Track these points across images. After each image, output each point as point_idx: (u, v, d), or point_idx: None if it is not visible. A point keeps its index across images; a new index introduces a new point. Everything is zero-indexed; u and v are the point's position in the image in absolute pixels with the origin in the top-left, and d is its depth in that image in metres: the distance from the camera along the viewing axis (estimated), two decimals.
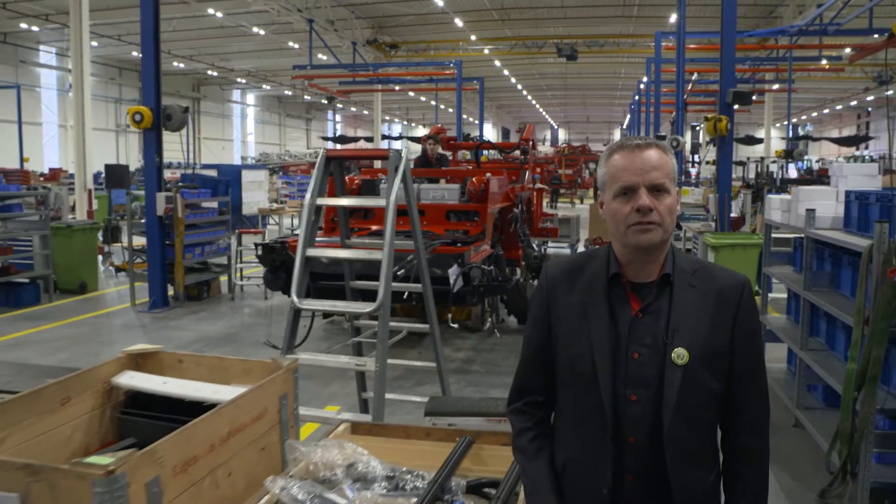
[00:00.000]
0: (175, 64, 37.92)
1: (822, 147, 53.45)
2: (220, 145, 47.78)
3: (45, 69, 36.32)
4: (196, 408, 2.82)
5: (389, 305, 3.56)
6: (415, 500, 2.14)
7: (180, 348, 6.95)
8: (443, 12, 26.73)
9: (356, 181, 7.88)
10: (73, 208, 13.06)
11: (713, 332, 1.74)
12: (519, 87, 46.94)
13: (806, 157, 40.38)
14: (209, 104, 47.39)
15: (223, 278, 10.92)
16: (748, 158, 27.43)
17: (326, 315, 8.39)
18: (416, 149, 46.01)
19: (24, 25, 29.33)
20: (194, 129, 45.33)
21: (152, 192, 9.34)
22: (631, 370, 1.74)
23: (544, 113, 62.87)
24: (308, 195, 3.84)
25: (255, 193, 19.12)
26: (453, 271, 6.07)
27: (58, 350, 7.63)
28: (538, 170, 14.48)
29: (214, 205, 10.49)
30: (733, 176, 24.68)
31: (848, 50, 24.17)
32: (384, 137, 41.82)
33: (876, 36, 20.12)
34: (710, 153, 11.79)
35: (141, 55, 9.54)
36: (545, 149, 50.65)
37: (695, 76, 27.78)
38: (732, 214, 11.53)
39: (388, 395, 3.89)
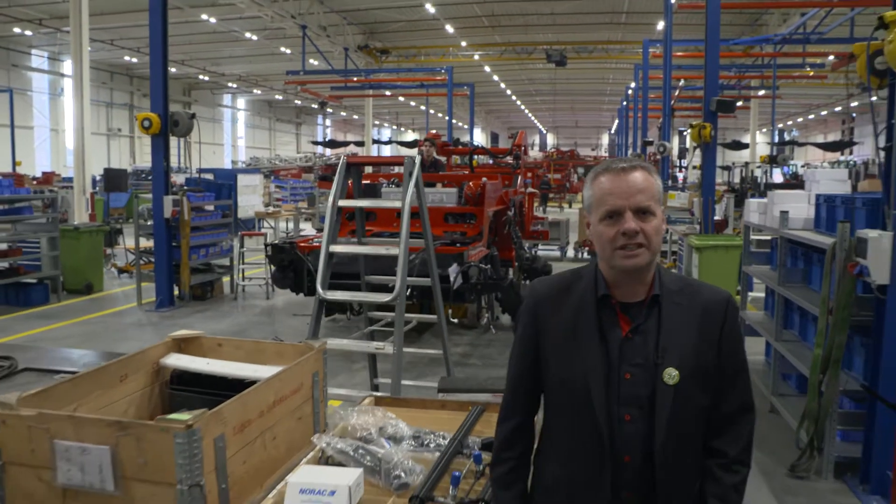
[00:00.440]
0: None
1: (808, 152, 54.24)
2: (210, 149, 48.03)
3: (37, 73, 36.46)
4: (233, 385, 3.21)
5: (405, 295, 3.98)
6: (438, 454, 2.54)
7: None
8: (434, 19, 27.13)
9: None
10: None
11: (701, 350, 1.78)
12: (508, 92, 47.41)
13: (791, 162, 41.02)
14: (200, 108, 47.59)
15: (226, 279, 11.28)
16: (733, 164, 27.93)
17: (328, 313, 8.77)
18: (407, 153, 46.40)
19: (17, 30, 29.52)
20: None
21: (160, 196, 9.69)
22: (624, 390, 1.76)
23: (533, 118, 63.36)
24: (331, 197, 4.25)
25: (251, 197, 19.48)
26: (453, 270, 6.47)
27: (72, 347, 7.95)
28: (529, 174, 14.91)
29: (217, 208, 10.86)
30: (720, 180, 25.26)
31: (831, 57, 24.77)
32: (375, 142, 42.14)
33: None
34: (697, 158, 12.24)
35: (149, 65, 9.90)
36: (534, 153, 51.11)
37: (682, 82, 28.33)
38: (716, 217, 11.98)
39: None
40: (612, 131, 53.78)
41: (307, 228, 18.84)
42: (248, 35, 29.28)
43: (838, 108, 46.95)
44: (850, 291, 4.25)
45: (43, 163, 35.91)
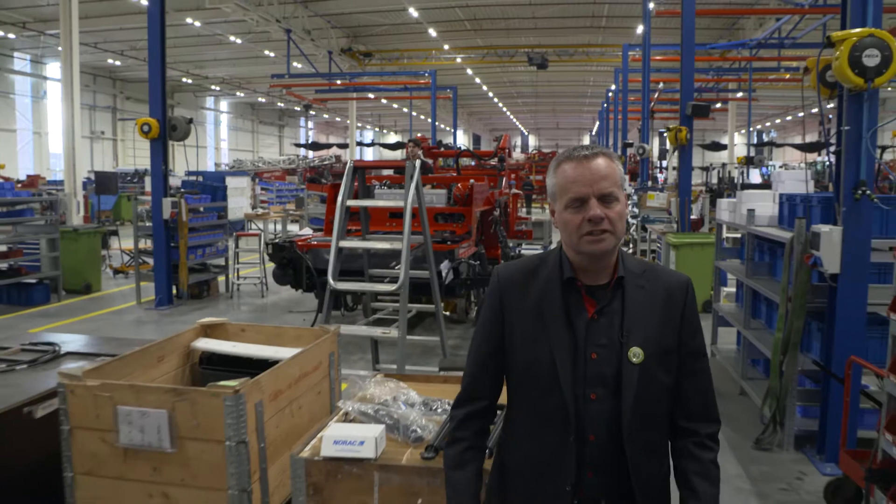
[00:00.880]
0: None
1: (787, 153, 55.09)
2: (193, 152, 48.03)
3: (20, 76, 36.42)
4: (256, 365, 3.62)
5: (408, 285, 4.41)
6: (446, 416, 2.95)
7: None
8: (417, 23, 27.51)
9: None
10: None
11: (663, 330, 1.84)
12: (490, 94, 47.85)
13: (770, 163, 41.79)
14: (183, 111, 47.53)
15: (221, 278, 11.63)
16: (710, 165, 28.57)
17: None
18: (388, 154, 46.52)
19: (0, 33, 29.56)
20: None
21: (158, 198, 10.03)
22: (590, 370, 1.80)
23: (515, 120, 63.85)
24: (340, 197, 4.67)
25: (239, 199, 19.74)
26: (444, 266, 6.89)
27: None
28: (513, 176, 15.38)
29: (213, 209, 11.23)
30: (699, 181, 25.82)
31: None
32: (358, 144, 42.44)
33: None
34: (676, 159, 12.73)
35: (148, 71, 10.24)
36: (516, 155, 51.68)
37: (661, 85, 28.93)
38: (693, 216, 12.49)
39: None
40: (593, 133, 54.38)
41: (295, 229, 19.20)
42: (232, 38, 29.48)
43: (815, 110, 47.81)
44: (806, 280, 4.73)
45: (26, 166, 35.85)
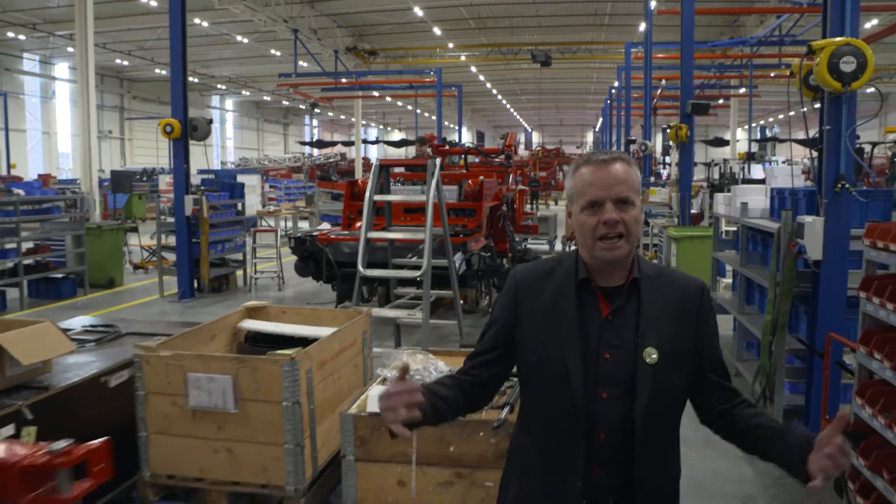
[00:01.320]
0: (157, 71, 38.76)
1: (790, 148, 55.29)
2: (199, 150, 48.51)
3: (29, 76, 36.88)
4: (295, 343, 4.06)
5: (430, 271, 4.86)
6: None
7: None
8: (422, 21, 27.89)
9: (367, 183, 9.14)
10: None
11: (678, 333, 1.85)
12: (494, 91, 48.19)
13: (773, 158, 42.10)
14: (189, 110, 48.07)
15: (239, 272, 12.09)
16: (712, 161, 28.95)
17: (340, 300, 9.60)
18: (394, 152, 46.86)
19: (10, 34, 30.03)
20: None
21: (181, 195, 10.49)
22: (603, 370, 1.82)
23: (518, 116, 64.18)
24: (368, 192, 5.12)
25: (250, 197, 20.21)
26: (458, 258, 7.33)
27: None
28: (519, 172, 15.84)
29: (231, 206, 11.70)
30: (702, 176, 26.15)
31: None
32: (363, 142, 42.86)
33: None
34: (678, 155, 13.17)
35: (170, 75, 10.68)
36: (520, 152, 52.05)
37: (663, 82, 29.30)
38: (693, 211, 12.91)
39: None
40: (597, 129, 54.66)
41: (305, 226, 19.66)
42: (238, 38, 29.91)
43: (818, 105, 48.03)
44: (792, 267, 5.16)
45: (36, 165, 36.33)
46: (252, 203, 20.01)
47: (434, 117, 47.54)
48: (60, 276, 11.10)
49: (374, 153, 61.31)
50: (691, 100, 10.93)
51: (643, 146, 18.98)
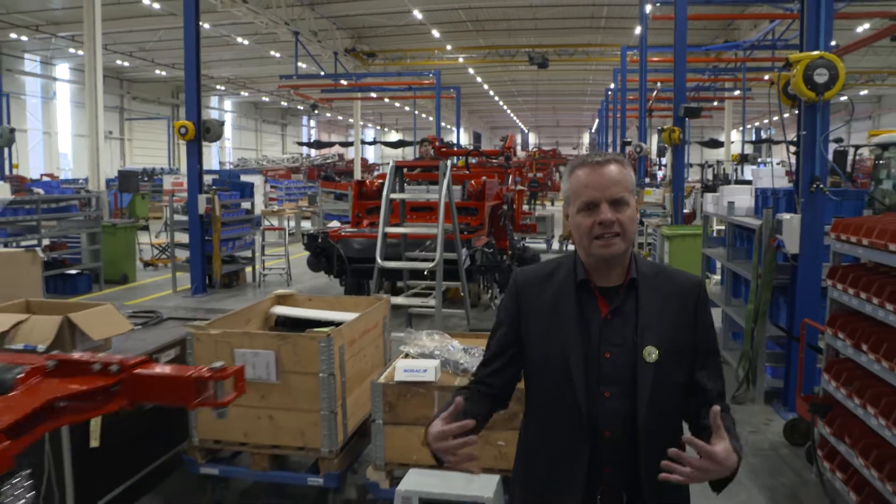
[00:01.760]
0: (157, 72, 39.18)
1: (788, 149, 55.75)
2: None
3: (30, 77, 37.20)
4: (320, 327, 4.50)
5: (443, 263, 5.32)
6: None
7: None
8: (420, 24, 28.31)
9: (375, 184, 9.61)
10: None
11: (677, 330, 1.88)
12: (491, 93, 48.60)
13: (768, 160, 42.61)
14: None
15: (248, 269, 12.54)
16: (706, 162, 29.47)
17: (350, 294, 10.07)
18: (391, 153, 47.23)
19: (13, 35, 30.36)
20: (173, 136, 46.64)
21: (194, 194, 10.92)
22: (604, 368, 1.85)
23: (515, 118, 64.59)
24: (385, 192, 5.59)
25: (254, 197, 20.64)
26: (462, 253, 7.79)
27: None
28: (517, 173, 16.32)
29: (243, 205, 12.15)
30: (696, 177, 26.56)
31: None
32: (363, 143, 43.30)
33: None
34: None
35: (184, 79, 11.12)
36: (518, 153, 52.47)
37: (659, 85, 29.78)
38: (686, 210, 13.39)
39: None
40: (593, 130, 55.17)
41: (307, 225, 20.10)
42: (239, 40, 30.29)
43: (787, 115, 48.54)
44: (772, 260, 5.63)
45: (36, 165, 36.64)
46: (256, 203, 20.43)
47: (431, 118, 47.97)
48: (76, 272, 11.52)
49: (371, 153, 61.84)
50: (684, 104, 11.39)
51: (638, 148, 19.47)
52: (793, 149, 5.62)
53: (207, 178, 12.26)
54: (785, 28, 22.89)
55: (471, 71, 39.07)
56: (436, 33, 29.22)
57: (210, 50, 34.23)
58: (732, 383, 6.35)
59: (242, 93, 49.42)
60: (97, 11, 15.83)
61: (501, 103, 54.63)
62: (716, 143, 37.32)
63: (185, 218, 11.46)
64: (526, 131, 72.48)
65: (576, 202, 1.88)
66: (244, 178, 20.09)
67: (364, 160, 38.51)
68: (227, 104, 55.63)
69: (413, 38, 31.53)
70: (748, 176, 29.92)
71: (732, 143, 39.31)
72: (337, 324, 4.33)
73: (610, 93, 31.97)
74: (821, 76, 4.96)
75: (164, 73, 39.47)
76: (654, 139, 35.07)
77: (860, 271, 3.95)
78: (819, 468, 4.31)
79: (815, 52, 5.05)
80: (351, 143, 42.13)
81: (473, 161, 13.64)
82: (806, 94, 5.02)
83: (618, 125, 28.25)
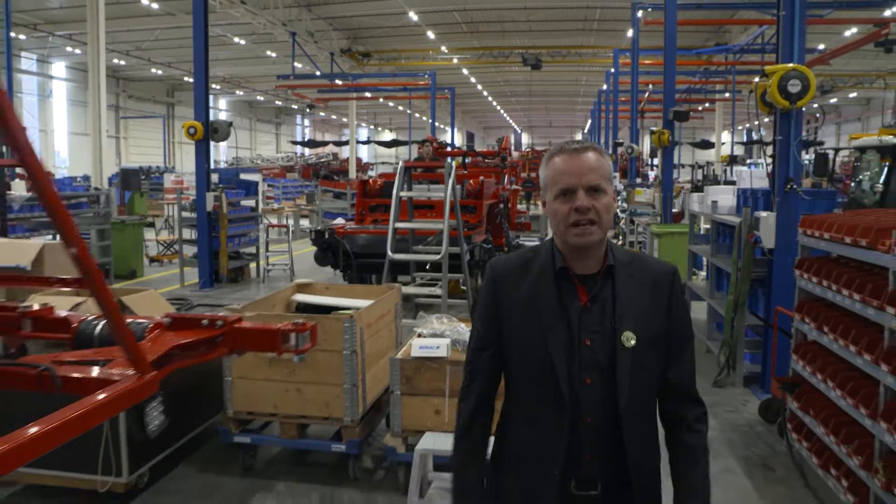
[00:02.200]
0: (153, 70, 39.47)
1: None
2: (191, 149, 49.05)
3: (26, 75, 37.41)
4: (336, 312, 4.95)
5: (448, 255, 5.79)
6: None
7: None
8: (416, 25, 28.73)
9: (378, 182, 10.07)
10: None
11: (653, 316, 1.90)
12: (485, 93, 49.07)
13: (759, 161, 43.25)
14: (182, 109, 48.56)
15: (252, 265, 12.97)
16: (696, 163, 30.03)
17: None
18: (385, 152, 47.53)
19: (11, 34, 30.57)
20: (169, 134, 46.94)
21: (202, 192, 11.34)
22: (584, 356, 1.86)
23: (508, 118, 64.98)
24: (395, 190, 6.05)
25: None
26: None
27: None
28: (512, 173, 16.81)
29: (248, 203, 12.59)
30: (687, 178, 27.01)
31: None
32: (358, 142, 43.70)
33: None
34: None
35: (193, 80, 11.55)
36: (513, 154, 52.82)
37: (650, 87, 30.29)
38: (675, 210, 13.89)
39: None
40: (585, 131, 55.69)
41: (305, 223, 20.53)
42: (236, 40, 30.63)
43: (804, 109, 49.40)
44: (750, 254, 6.11)
45: None
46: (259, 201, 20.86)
47: (424, 118, 48.38)
48: None
49: (364, 153, 62.23)
50: (673, 107, 11.88)
51: (630, 149, 19.97)
52: (770, 152, 6.09)
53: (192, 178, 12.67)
54: (774, 32, 23.38)
55: (465, 71, 39.50)
56: (431, 34, 29.64)
57: None
58: (714, 369, 6.83)
59: (237, 92, 49.71)
60: (101, 12, 16.21)
61: (495, 103, 55.05)
62: (707, 144, 37.92)
63: (191, 215, 11.87)
64: (519, 131, 72.84)
65: (553, 189, 1.88)
66: (244, 176, 20.47)
67: (358, 159, 38.90)
68: (222, 103, 55.87)
69: (408, 38, 31.92)
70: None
71: (723, 144, 39.95)
72: (353, 310, 4.77)
73: (602, 94, 32.46)
74: (794, 86, 5.44)
75: (159, 71, 39.74)
76: (647, 140, 35.62)
77: (826, 263, 4.42)
78: (788, 440, 4.79)
79: (790, 65, 5.53)
80: (345, 143, 42.55)
81: (468, 161, 14.10)
82: (781, 103, 5.50)
83: (610, 126, 28.76)
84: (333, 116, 58.69)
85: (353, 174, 34.21)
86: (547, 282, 1.90)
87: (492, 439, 2.07)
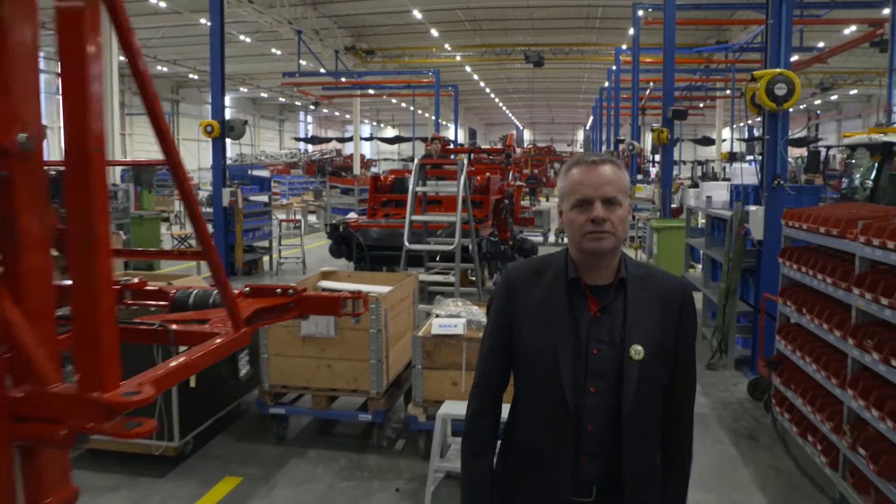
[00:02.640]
0: (159, 68, 39.86)
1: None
2: (193, 146, 49.68)
3: None
4: None
5: (461, 245, 6.26)
6: None
7: None
8: (419, 23, 29.12)
9: (389, 178, 10.54)
10: None
11: (663, 331, 1.92)
12: (487, 90, 49.40)
13: (759, 157, 43.58)
14: (187, 106, 48.89)
15: (265, 258, 13.44)
16: (696, 161, 30.48)
17: None
18: (387, 148, 47.78)
19: None
20: (174, 131, 47.38)
21: (219, 188, 11.80)
22: (591, 364, 1.89)
23: (510, 114, 65.30)
24: (411, 186, 6.52)
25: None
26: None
27: None
28: (517, 170, 17.30)
29: (262, 199, 13.06)
30: (688, 174, 27.41)
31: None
32: (361, 139, 44.13)
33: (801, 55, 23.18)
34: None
35: (210, 80, 11.98)
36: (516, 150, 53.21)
37: (651, 84, 30.68)
38: (674, 205, 14.34)
39: None
40: (587, 127, 55.97)
41: (313, 219, 20.99)
42: (241, 37, 31.01)
43: (802, 106, 49.94)
44: (741, 245, 6.57)
45: None
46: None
47: (427, 115, 48.74)
48: None
49: (367, 149, 62.68)
50: (672, 106, 12.32)
51: (631, 146, 20.40)
52: (759, 149, 6.54)
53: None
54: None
55: (468, 69, 39.84)
56: (434, 32, 29.99)
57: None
58: (707, 352, 7.29)
59: (241, 89, 50.10)
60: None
61: (497, 100, 55.39)
62: (708, 141, 38.39)
63: (208, 210, 12.33)
64: (521, 128, 73.20)
65: (570, 199, 1.91)
66: (252, 172, 20.89)
67: (361, 156, 39.37)
68: (226, 100, 56.00)
69: (412, 36, 32.28)
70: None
71: (724, 140, 40.37)
72: (377, 294, 5.23)
73: (604, 91, 32.84)
74: (780, 90, 5.89)
75: (164, 69, 40.07)
76: (648, 136, 36.01)
77: (806, 252, 4.87)
78: (773, 413, 5.25)
79: (777, 70, 5.97)
80: (348, 139, 42.96)
81: (473, 157, 14.56)
82: (768, 105, 5.95)
83: (612, 122, 29.16)
84: (336, 113, 59.10)
85: (357, 170, 34.68)
86: (559, 290, 1.94)
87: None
